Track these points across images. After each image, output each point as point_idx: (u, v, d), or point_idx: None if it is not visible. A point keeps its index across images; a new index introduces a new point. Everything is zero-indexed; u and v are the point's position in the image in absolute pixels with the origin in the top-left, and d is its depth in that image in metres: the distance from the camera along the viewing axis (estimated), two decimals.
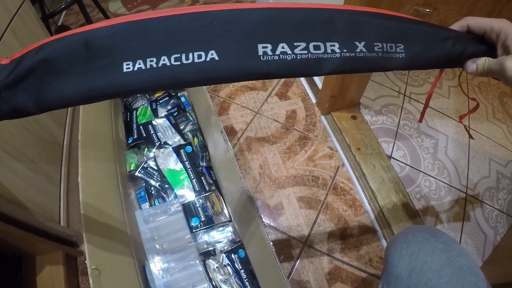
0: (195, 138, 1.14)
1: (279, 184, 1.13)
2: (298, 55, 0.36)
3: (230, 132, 1.23)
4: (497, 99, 1.59)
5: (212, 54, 0.34)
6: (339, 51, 0.37)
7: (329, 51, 0.37)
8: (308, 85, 1.37)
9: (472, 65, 0.42)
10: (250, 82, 1.38)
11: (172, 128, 1.16)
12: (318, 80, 1.28)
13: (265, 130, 1.25)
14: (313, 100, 1.35)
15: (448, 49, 0.41)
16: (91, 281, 0.64)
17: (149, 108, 1.22)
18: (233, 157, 0.88)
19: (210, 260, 0.95)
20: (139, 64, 0.34)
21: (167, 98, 1.24)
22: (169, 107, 1.22)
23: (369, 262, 1.02)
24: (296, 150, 1.21)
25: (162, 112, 1.21)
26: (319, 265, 1.00)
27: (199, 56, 0.34)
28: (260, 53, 0.35)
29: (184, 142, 1.13)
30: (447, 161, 1.28)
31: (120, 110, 1.22)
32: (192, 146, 1.11)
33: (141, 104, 1.24)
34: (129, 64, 0.34)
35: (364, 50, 0.38)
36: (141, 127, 1.16)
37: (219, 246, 0.97)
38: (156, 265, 0.92)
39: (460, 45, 0.41)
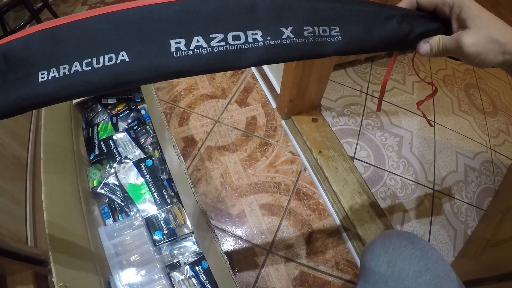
0: (155, 151, 1.14)
1: (241, 192, 1.12)
2: (215, 48, 0.33)
3: (191, 142, 1.23)
4: (463, 91, 1.59)
5: (122, 56, 0.33)
6: (262, 40, 0.34)
7: (250, 40, 0.34)
8: (268, 90, 1.36)
9: (425, 45, 0.39)
10: (209, 90, 1.38)
11: (133, 142, 1.15)
12: (277, 85, 1.28)
13: (225, 138, 1.25)
14: (273, 105, 1.34)
15: (393, 29, 0.38)
16: None
17: (109, 122, 1.21)
18: (185, 171, 0.88)
19: (175, 273, 0.95)
20: (53, 72, 0.32)
21: (127, 111, 1.23)
22: (129, 121, 1.22)
23: (335, 266, 1.02)
24: (257, 157, 1.20)
25: (122, 126, 1.21)
26: (284, 271, 0.99)
27: (110, 59, 0.32)
28: (173, 49, 0.33)
29: (145, 156, 1.12)
30: (412, 158, 1.27)
31: (81, 126, 1.21)
32: (152, 160, 1.10)
33: (102, 119, 1.23)
34: (43, 74, 0.33)
35: (291, 36, 0.35)
36: (102, 142, 1.16)
37: (183, 258, 0.97)
38: (121, 280, 0.92)
39: (407, 24, 0.38)
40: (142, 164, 1.10)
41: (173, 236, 0.99)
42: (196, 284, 0.94)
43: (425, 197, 1.19)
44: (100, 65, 0.32)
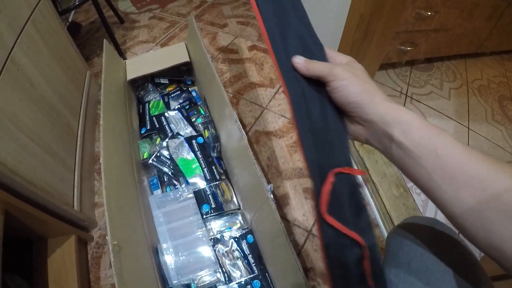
0: (206, 130, 1.19)
1: (286, 175, 1.17)
2: None
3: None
4: (497, 102, 1.63)
5: None
6: None
7: None
8: None
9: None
10: (258, 79, 1.44)
11: (184, 120, 1.20)
12: None
13: (272, 124, 1.30)
14: None
15: None
16: (111, 256, 0.67)
17: (161, 101, 1.27)
18: (247, 144, 0.91)
19: (219, 245, 0.98)
20: None
21: (179, 92, 1.29)
22: (180, 101, 1.27)
23: None
24: None
25: (174, 105, 1.26)
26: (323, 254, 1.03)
27: None
28: None
29: (196, 134, 1.17)
30: None
31: (134, 102, 1.27)
32: (203, 138, 1.15)
33: (153, 98, 1.29)
34: None
35: None
36: (154, 118, 1.21)
37: (228, 232, 1.01)
38: (167, 247, 0.96)
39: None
40: (194, 141, 1.14)
41: (220, 210, 1.03)
42: (239, 257, 0.97)
43: None
44: None
